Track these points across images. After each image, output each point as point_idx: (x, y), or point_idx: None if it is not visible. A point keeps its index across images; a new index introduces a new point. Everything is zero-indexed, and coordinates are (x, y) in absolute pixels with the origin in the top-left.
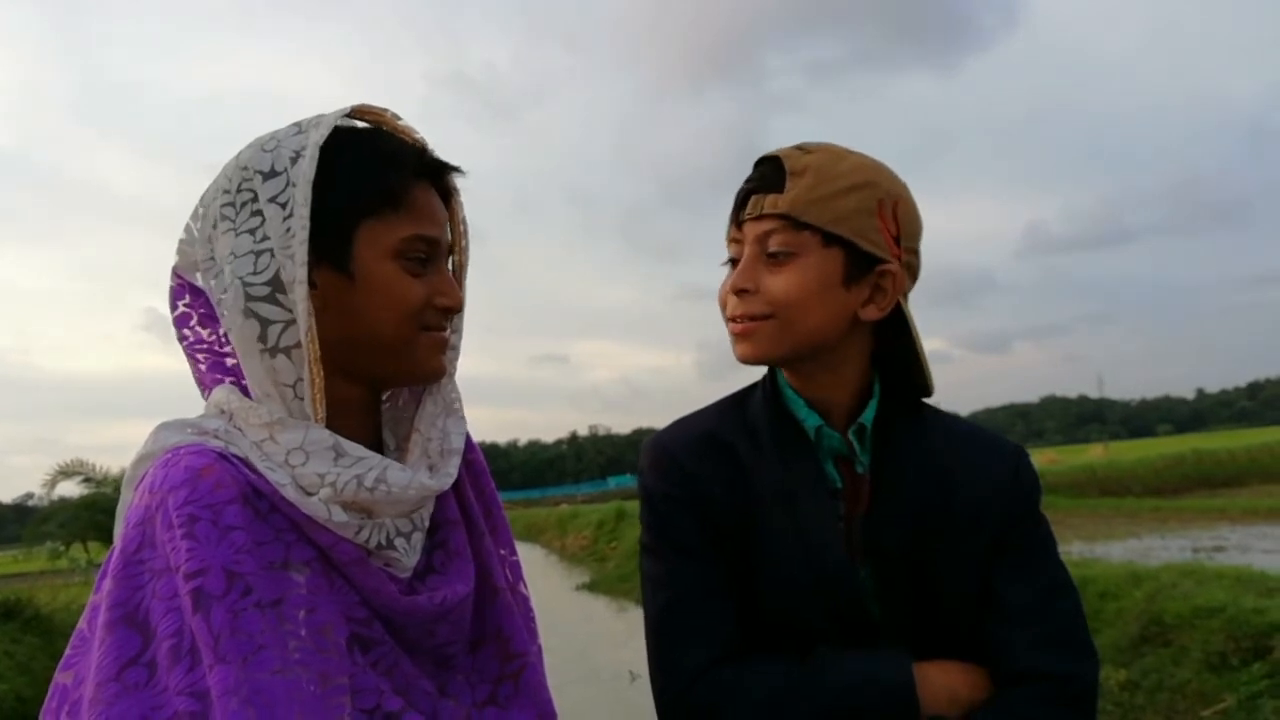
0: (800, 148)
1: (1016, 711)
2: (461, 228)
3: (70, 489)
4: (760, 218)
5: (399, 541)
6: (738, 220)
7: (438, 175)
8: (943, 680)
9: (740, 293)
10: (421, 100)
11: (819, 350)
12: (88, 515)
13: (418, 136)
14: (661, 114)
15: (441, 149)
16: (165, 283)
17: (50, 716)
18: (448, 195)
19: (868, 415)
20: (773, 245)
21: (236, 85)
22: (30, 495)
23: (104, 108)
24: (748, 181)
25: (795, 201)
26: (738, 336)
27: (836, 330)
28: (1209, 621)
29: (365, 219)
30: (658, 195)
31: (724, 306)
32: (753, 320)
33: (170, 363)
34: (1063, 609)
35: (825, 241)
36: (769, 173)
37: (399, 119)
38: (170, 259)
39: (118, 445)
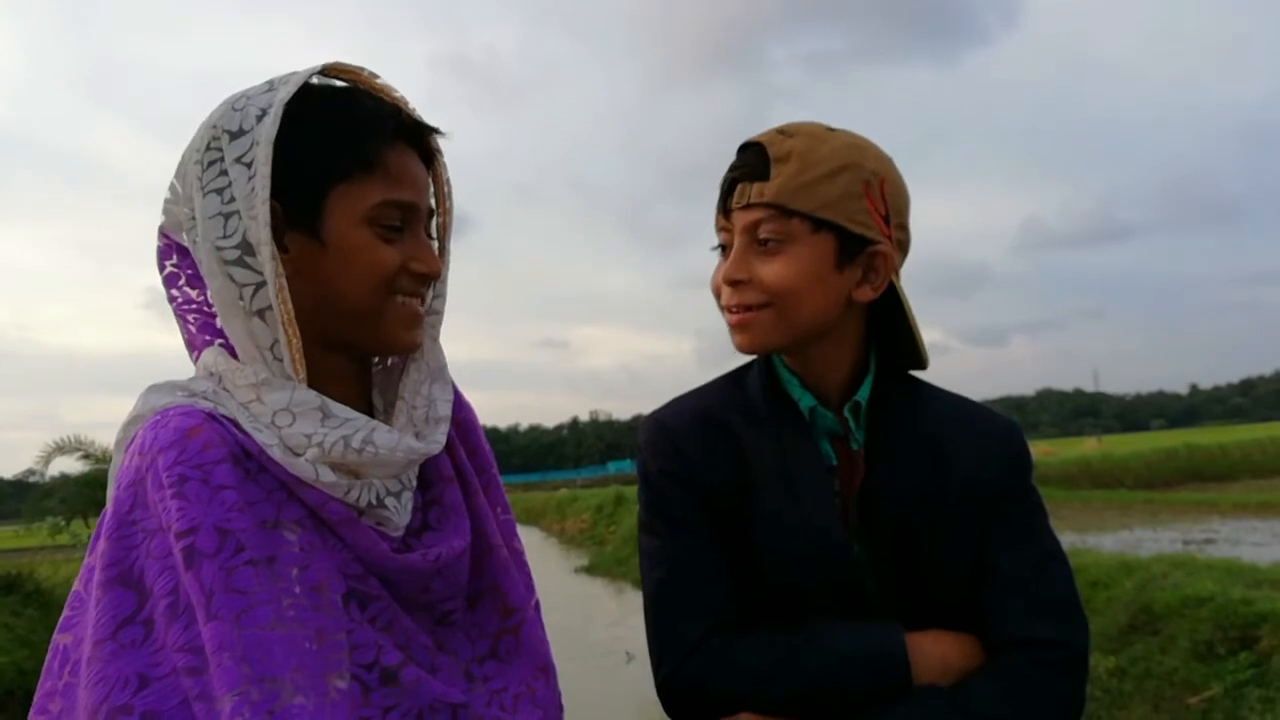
0: (782, 131)
1: (1009, 678)
2: (445, 189)
3: (70, 465)
4: (748, 207)
5: (389, 501)
6: (725, 209)
7: (416, 136)
8: (935, 649)
9: (734, 283)
10: (424, 82)
11: (816, 335)
12: (88, 492)
13: (396, 95)
14: (663, 103)
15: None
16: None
17: (51, 677)
18: (430, 156)
19: (863, 392)
20: (762, 234)
21: (239, 62)
22: (31, 471)
23: (106, 84)
24: (732, 169)
25: (781, 189)
26: (735, 327)
27: (832, 314)
28: (1197, 611)
29: (337, 183)
30: (659, 183)
31: (718, 294)
32: (749, 310)
33: (170, 340)
34: (1054, 577)
35: (815, 227)
36: (753, 160)
37: (376, 77)
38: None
39: (117, 423)
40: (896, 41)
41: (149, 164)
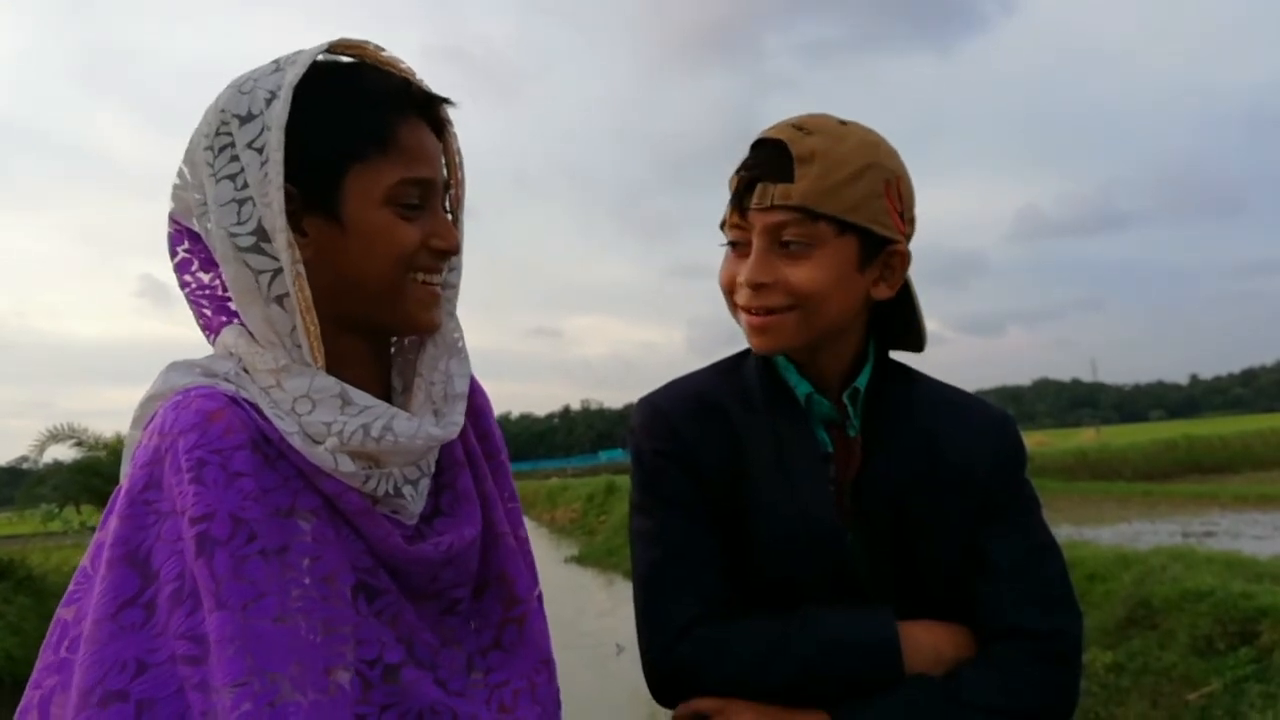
0: (799, 127)
1: (1002, 667)
2: (457, 159)
3: (64, 453)
4: (770, 208)
5: (407, 489)
6: (741, 208)
7: (427, 109)
8: (927, 639)
9: (758, 286)
10: (419, 72)
11: (834, 335)
12: (81, 479)
13: (403, 66)
14: (657, 93)
15: None
16: (162, 251)
17: (50, 651)
18: (440, 128)
19: (862, 380)
20: (787, 236)
21: (235, 52)
22: (25, 458)
23: (103, 73)
24: (749, 167)
25: (808, 193)
26: (756, 329)
27: (851, 314)
28: (1197, 605)
29: (353, 164)
30: (653, 173)
31: (728, 291)
32: (771, 314)
33: (165, 329)
34: (1048, 568)
35: (840, 230)
36: (773, 159)
37: (382, 50)
38: (166, 229)
39: (111, 410)
40: (894, 30)
41: (147, 153)
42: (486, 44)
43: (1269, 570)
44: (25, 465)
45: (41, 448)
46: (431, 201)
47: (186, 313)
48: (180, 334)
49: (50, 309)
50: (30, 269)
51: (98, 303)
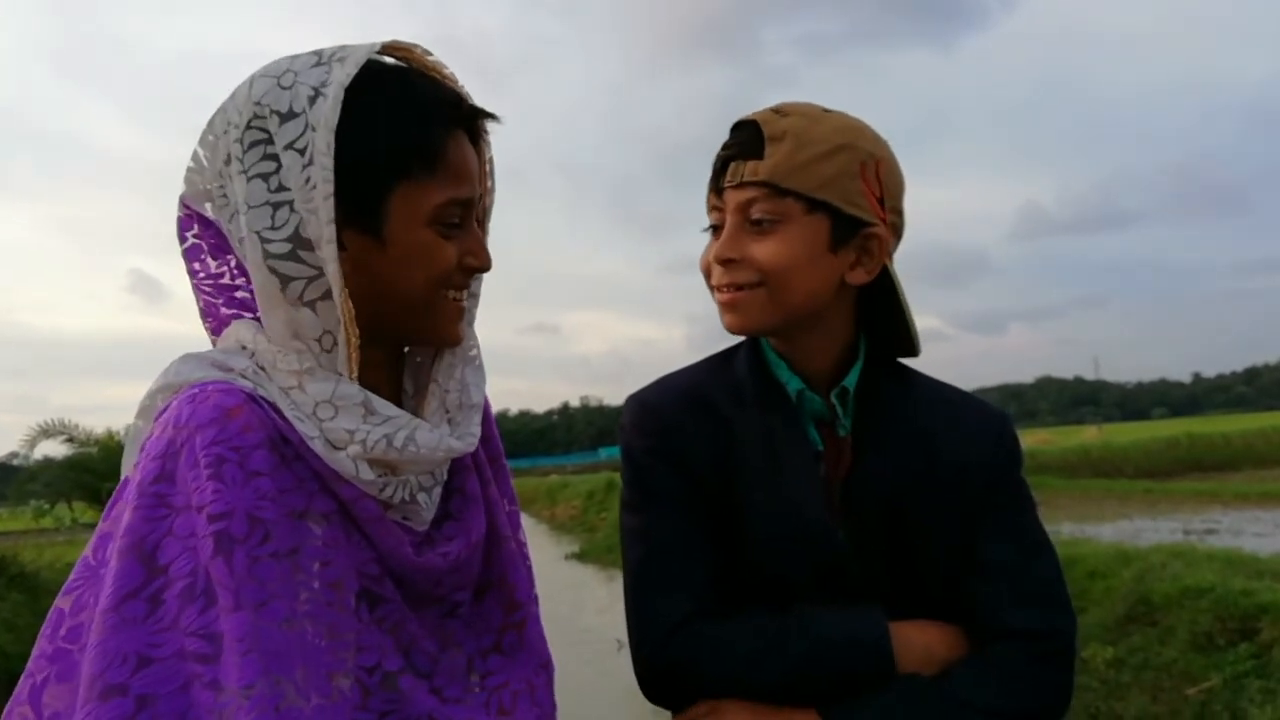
0: (777, 110)
1: (999, 667)
2: (487, 168)
3: (55, 449)
4: (741, 185)
5: (421, 497)
6: (717, 188)
7: (471, 121)
8: (919, 638)
9: (726, 262)
10: None
11: (807, 318)
12: (73, 475)
13: (448, 74)
14: (654, 87)
15: None
16: (151, 246)
17: (45, 640)
18: (477, 138)
19: (850, 378)
20: (755, 213)
21: (223, 42)
22: (15, 454)
23: (90, 62)
24: (725, 147)
25: (776, 169)
26: (725, 306)
27: (824, 296)
28: (1197, 602)
29: (400, 181)
30: (649, 167)
31: (707, 275)
32: (740, 290)
33: (157, 324)
34: (1043, 568)
35: (809, 208)
36: (746, 138)
37: (429, 54)
38: (156, 223)
39: (102, 406)
40: (895, 25)
41: (133, 144)
42: (479, 35)
43: (1269, 567)
44: (16, 461)
45: (32, 443)
46: (468, 219)
47: (178, 309)
48: (172, 330)
49: (40, 303)
50: (18, 262)
51: (88, 297)
